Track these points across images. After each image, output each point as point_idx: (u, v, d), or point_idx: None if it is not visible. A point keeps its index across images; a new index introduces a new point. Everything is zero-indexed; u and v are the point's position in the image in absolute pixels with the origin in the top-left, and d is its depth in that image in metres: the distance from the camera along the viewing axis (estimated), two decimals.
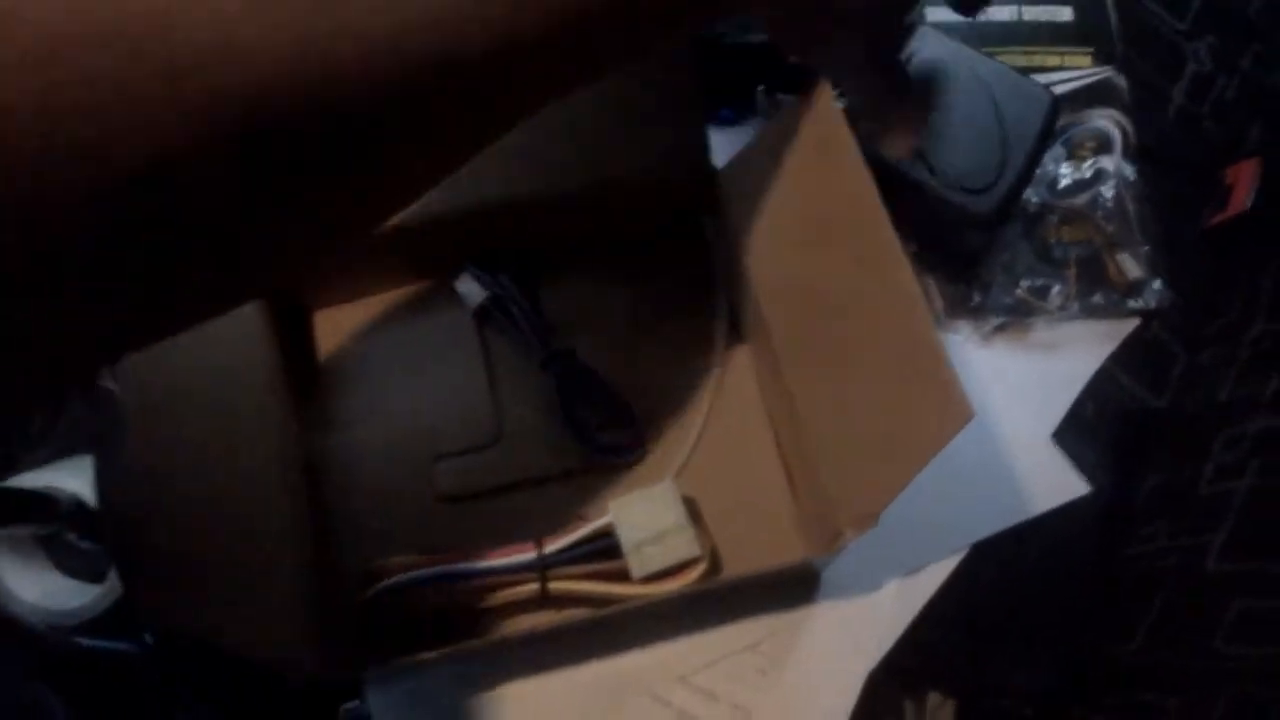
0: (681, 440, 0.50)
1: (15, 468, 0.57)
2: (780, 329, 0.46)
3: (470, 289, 0.51)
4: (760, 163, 0.47)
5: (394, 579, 0.43)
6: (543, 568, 0.44)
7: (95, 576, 0.58)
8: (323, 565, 0.46)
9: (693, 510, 0.46)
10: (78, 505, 0.57)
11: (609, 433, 0.49)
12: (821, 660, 0.47)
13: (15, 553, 0.58)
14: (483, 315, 0.52)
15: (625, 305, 0.53)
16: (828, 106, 0.42)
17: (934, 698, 0.50)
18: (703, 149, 0.49)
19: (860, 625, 0.48)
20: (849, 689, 0.46)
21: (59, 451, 0.60)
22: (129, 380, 0.38)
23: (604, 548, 0.44)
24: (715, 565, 0.46)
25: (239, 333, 0.46)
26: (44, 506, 0.56)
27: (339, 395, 0.51)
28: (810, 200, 0.44)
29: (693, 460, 0.50)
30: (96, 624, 0.56)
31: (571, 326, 0.51)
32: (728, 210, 0.49)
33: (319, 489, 0.48)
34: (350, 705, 0.46)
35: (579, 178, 0.47)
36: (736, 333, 0.52)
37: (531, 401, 0.50)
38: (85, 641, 0.55)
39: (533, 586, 0.44)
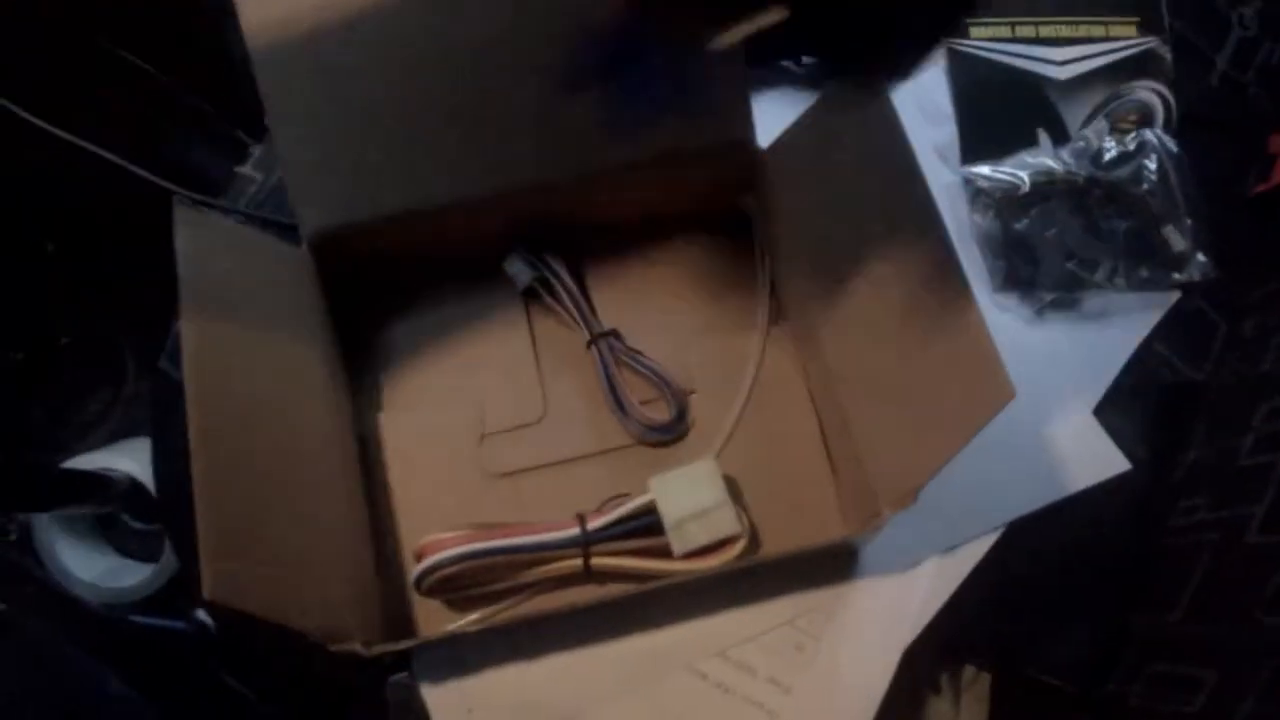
0: (723, 419, 0.50)
1: (74, 449, 0.59)
2: (822, 308, 0.46)
3: (519, 270, 0.51)
4: (806, 141, 0.47)
5: (441, 555, 0.44)
6: (586, 544, 0.44)
7: (149, 556, 0.60)
8: (373, 540, 0.47)
9: (733, 489, 0.46)
10: (133, 486, 0.58)
11: (652, 411, 0.50)
12: (859, 635, 0.48)
13: (73, 533, 0.60)
14: (530, 295, 0.52)
15: (669, 284, 0.53)
16: (873, 84, 0.42)
17: (969, 671, 0.51)
18: (748, 127, 0.49)
19: (898, 600, 0.48)
20: (886, 663, 0.47)
21: (114, 434, 0.62)
22: (185, 362, 0.39)
23: (646, 525, 0.45)
24: (755, 543, 0.47)
25: (295, 315, 0.47)
26: (101, 488, 0.57)
27: (390, 374, 0.52)
28: (853, 179, 0.44)
29: (734, 438, 0.50)
30: (150, 602, 0.58)
31: (616, 305, 0.52)
32: (772, 189, 0.49)
33: (369, 465, 0.49)
34: (398, 677, 0.47)
35: (625, 157, 0.48)
36: (779, 311, 0.53)
37: (576, 380, 0.51)
38: (140, 619, 0.57)
39: (576, 562, 0.45)
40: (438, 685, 0.47)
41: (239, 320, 0.42)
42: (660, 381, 0.50)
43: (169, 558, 0.58)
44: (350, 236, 0.46)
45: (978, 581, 0.49)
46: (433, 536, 0.44)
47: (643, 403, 0.50)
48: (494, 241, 0.51)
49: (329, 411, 0.46)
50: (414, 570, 0.44)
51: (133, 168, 0.52)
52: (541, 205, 0.49)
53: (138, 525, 0.61)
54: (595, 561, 0.45)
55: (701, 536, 0.44)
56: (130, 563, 0.61)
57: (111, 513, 0.61)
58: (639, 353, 0.50)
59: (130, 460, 0.59)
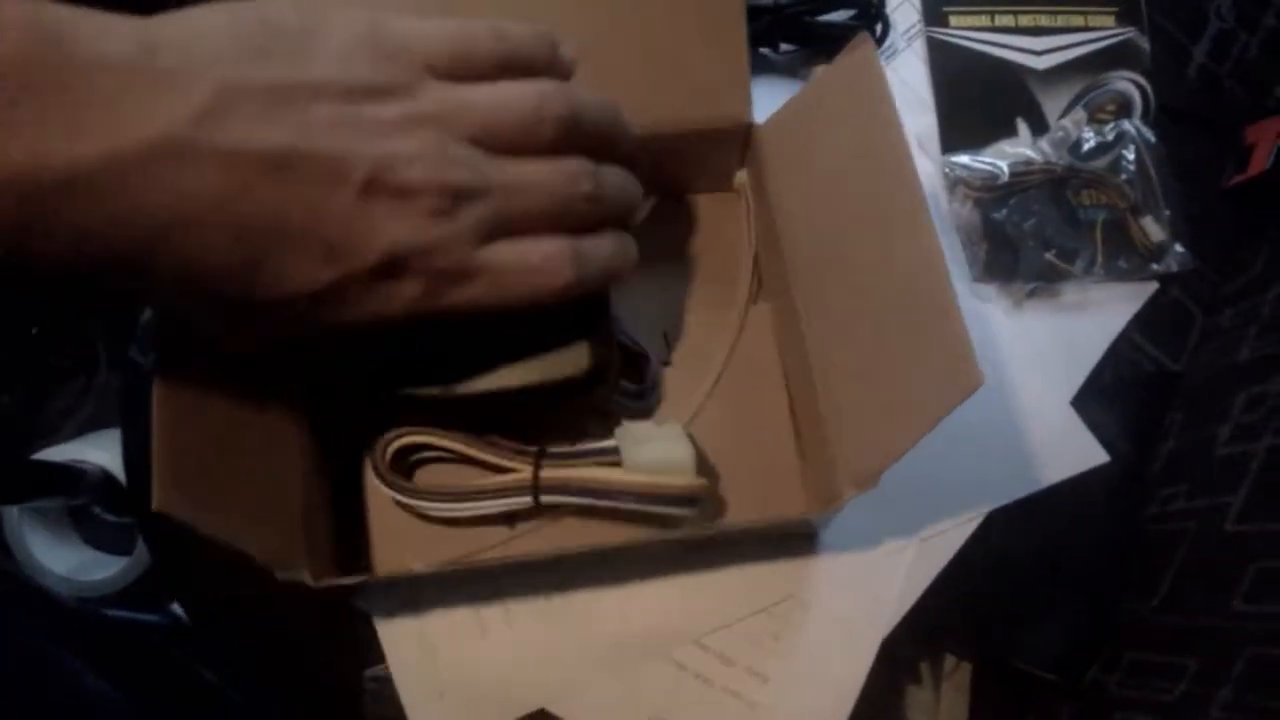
0: (694, 391, 0.50)
1: (46, 440, 0.58)
2: (803, 285, 0.46)
3: None
4: (801, 120, 0.47)
5: (399, 431, 0.44)
6: (539, 457, 0.44)
7: (122, 549, 0.59)
8: (324, 473, 0.46)
9: (700, 464, 0.45)
10: (105, 478, 0.57)
11: (624, 379, 0.48)
12: (837, 624, 0.47)
13: (45, 526, 0.59)
14: None
15: (653, 256, 0.52)
16: (869, 66, 0.42)
17: (949, 660, 0.51)
18: (746, 103, 0.48)
19: (876, 589, 0.48)
20: (864, 653, 0.47)
21: (86, 425, 0.61)
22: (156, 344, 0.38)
23: (602, 454, 0.44)
24: (713, 504, 0.47)
25: None
26: (73, 480, 0.56)
27: None
28: (844, 159, 0.44)
29: (704, 412, 0.49)
30: (123, 596, 0.57)
31: None
32: (765, 167, 0.49)
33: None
34: (373, 671, 0.46)
35: None
36: (762, 288, 0.52)
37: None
38: (112, 613, 0.56)
39: (525, 473, 0.44)
40: (409, 671, 0.46)
41: None
42: (632, 349, 0.49)
43: (142, 550, 0.58)
44: None
45: (957, 571, 0.49)
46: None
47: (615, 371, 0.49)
48: None
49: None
50: (372, 452, 0.45)
51: None
52: None
53: (110, 518, 0.61)
54: (545, 474, 0.44)
55: (656, 452, 0.43)
56: (103, 555, 0.61)
57: (83, 505, 0.60)
58: (616, 319, 0.49)
59: (102, 452, 0.58)
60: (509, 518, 0.46)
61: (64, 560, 0.59)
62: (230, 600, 0.49)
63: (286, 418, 0.44)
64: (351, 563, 0.46)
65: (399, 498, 0.45)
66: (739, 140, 0.50)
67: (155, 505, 0.34)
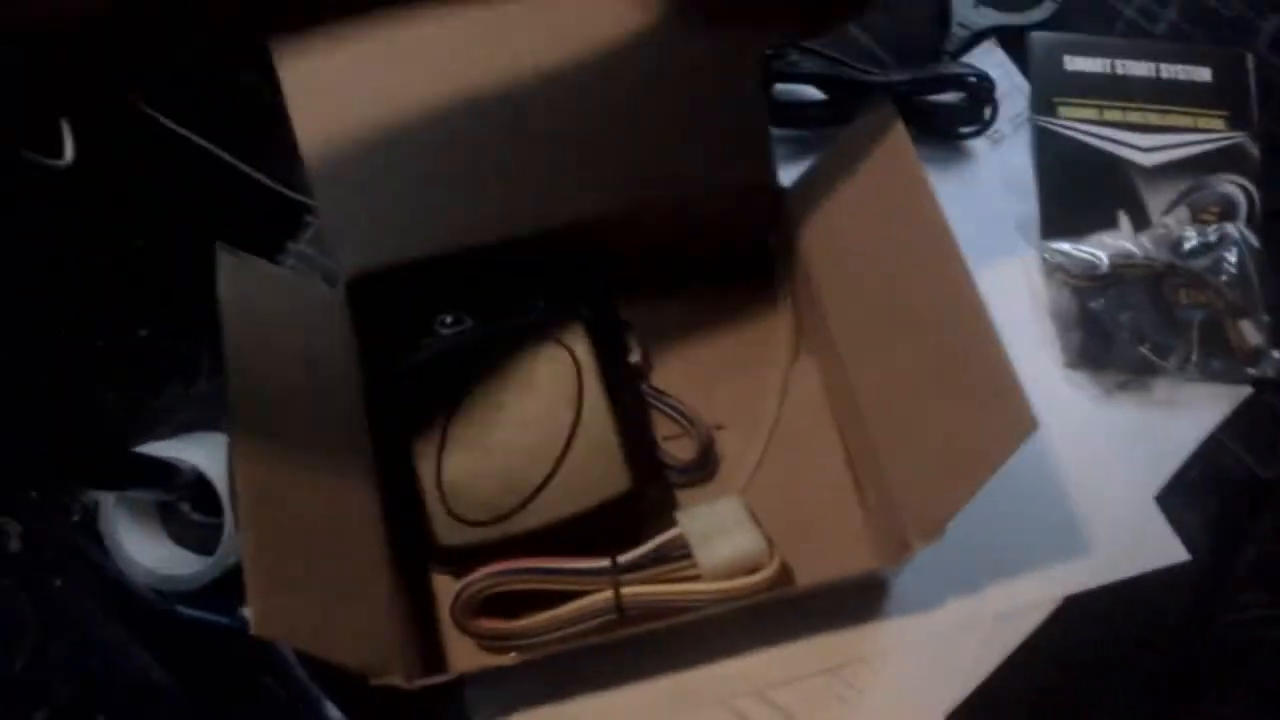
0: (748, 456, 0.51)
1: (149, 434, 0.60)
2: (848, 343, 0.47)
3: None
4: (828, 181, 0.48)
5: (477, 573, 0.45)
6: (616, 574, 0.44)
7: (204, 549, 0.60)
8: (408, 581, 0.48)
9: (762, 526, 0.46)
10: (198, 478, 0.59)
11: (678, 450, 0.50)
12: (902, 694, 0.47)
13: (135, 517, 0.60)
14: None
15: (693, 322, 0.54)
16: (891, 124, 0.43)
17: None
18: (768, 166, 0.50)
19: (945, 664, 0.48)
20: None
21: (183, 428, 0.63)
22: (230, 408, 0.41)
23: (675, 554, 0.45)
24: (786, 576, 0.47)
25: (331, 357, 0.48)
26: (170, 475, 0.58)
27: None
28: (877, 217, 0.45)
29: (760, 474, 0.50)
30: (199, 595, 0.58)
31: (638, 345, 0.52)
32: (796, 228, 0.50)
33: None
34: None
35: (648, 195, 0.48)
36: (802, 347, 0.53)
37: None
38: (186, 611, 0.58)
39: (607, 594, 0.44)
40: (478, 694, 0.47)
41: (278, 365, 0.44)
42: (685, 421, 0.50)
43: (223, 553, 0.59)
44: (383, 278, 0.48)
45: (1026, 655, 0.48)
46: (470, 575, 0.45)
47: (666, 439, 0.50)
48: (518, 284, 0.51)
49: (363, 452, 0.47)
50: (453, 602, 0.45)
51: (242, 166, 0.54)
52: (566, 244, 0.49)
53: (197, 517, 0.62)
54: (625, 592, 0.44)
55: (728, 551, 0.44)
56: (186, 553, 0.62)
57: (173, 502, 0.62)
58: (663, 392, 0.51)
59: (198, 451, 0.60)
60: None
61: (149, 553, 0.60)
62: None
63: (365, 514, 0.46)
64: (429, 647, 0.47)
65: (488, 643, 0.46)
66: (767, 204, 0.51)
67: (254, 630, 0.35)
